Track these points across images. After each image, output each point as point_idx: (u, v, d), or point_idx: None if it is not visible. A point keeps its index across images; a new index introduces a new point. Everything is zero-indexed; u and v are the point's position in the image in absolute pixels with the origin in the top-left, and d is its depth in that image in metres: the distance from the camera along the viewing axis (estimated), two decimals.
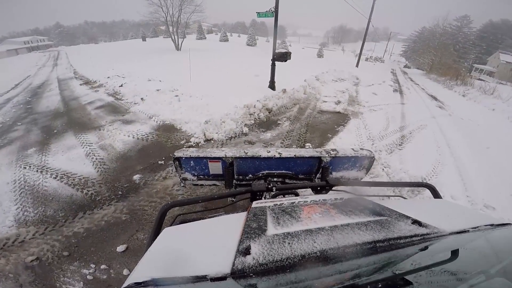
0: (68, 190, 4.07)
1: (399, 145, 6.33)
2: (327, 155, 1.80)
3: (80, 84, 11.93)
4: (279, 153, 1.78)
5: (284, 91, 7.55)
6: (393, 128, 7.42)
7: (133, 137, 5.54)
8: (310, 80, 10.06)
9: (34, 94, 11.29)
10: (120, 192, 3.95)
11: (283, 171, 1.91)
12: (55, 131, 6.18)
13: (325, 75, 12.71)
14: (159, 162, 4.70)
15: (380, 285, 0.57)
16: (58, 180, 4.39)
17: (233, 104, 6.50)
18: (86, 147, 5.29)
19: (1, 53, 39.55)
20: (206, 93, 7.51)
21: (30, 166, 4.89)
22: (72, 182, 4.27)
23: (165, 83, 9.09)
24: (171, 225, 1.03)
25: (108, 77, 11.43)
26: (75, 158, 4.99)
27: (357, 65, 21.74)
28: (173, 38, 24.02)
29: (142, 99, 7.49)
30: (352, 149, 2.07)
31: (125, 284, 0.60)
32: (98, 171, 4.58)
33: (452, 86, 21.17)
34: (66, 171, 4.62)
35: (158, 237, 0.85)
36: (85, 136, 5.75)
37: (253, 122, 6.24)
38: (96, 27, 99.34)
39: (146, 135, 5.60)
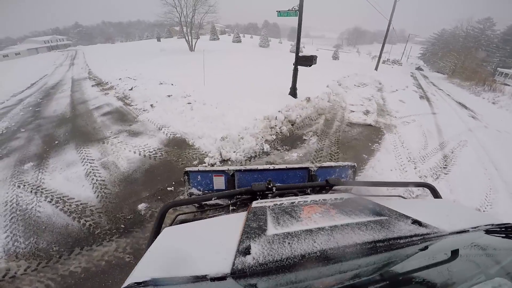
0: (63, 219, 3.44)
1: (444, 168, 5.46)
2: (314, 166, 1.89)
3: (92, 86, 11.49)
4: (273, 166, 1.90)
5: (308, 99, 6.60)
6: (432, 146, 6.46)
7: (140, 154, 4.76)
8: (332, 85, 9.07)
9: (46, 95, 10.94)
10: (122, 226, 3.28)
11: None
12: (56, 142, 5.51)
13: (347, 79, 11.66)
14: (168, 188, 3.91)
15: (380, 285, 0.57)
16: (53, 204, 3.73)
17: (251, 115, 5.62)
18: (87, 165, 4.58)
19: (23, 52, 40.38)
20: (221, 100, 6.68)
21: (24, 185, 4.26)
22: (68, 209, 3.61)
23: (177, 87, 8.32)
24: (171, 225, 1.01)
25: (120, 79, 10.84)
26: (73, 178, 4.29)
27: (376, 68, 20.46)
28: (186, 38, 23.56)
29: (151, 105, 6.74)
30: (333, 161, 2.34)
31: (125, 284, 0.57)
32: (98, 196, 3.88)
33: (479, 92, 19.50)
34: (63, 194, 3.95)
35: (158, 237, 0.82)
36: (87, 150, 5.04)
37: (274, 137, 5.34)
38: (113, 27, 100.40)
39: (154, 152, 4.82)
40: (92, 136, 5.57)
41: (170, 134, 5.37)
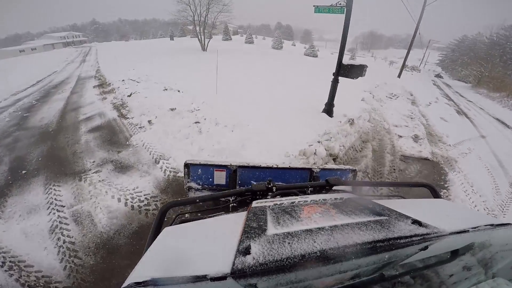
0: None
1: None
2: (316, 167, 1.84)
3: (94, 87, 10.29)
4: (276, 165, 1.82)
5: (352, 122, 4.96)
6: (504, 188, 5.00)
7: (126, 204, 3.27)
8: (368, 99, 7.41)
9: (44, 96, 9.80)
10: None
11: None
12: (23, 171, 4.08)
13: (378, 90, 9.95)
14: None
15: (380, 285, 0.57)
16: (6, 271, 2.51)
17: (281, 146, 4.05)
18: (54, 214, 3.16)
19: (38, 47, 39.71)
20: (239, 120, 5.13)
21: None
22: (26, 281, 2.40)
23: (184, 95, 6.79)
24: (171, 225, 0.96)
25: (123, 80, 9.48)
26: (33, 234, 2.92)
27: (399, 76, 18.50)
28: (199, 38, 22.24)
29: (149, 122, 5.23)
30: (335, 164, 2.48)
31: (125, 284, 0.56)
32: (65, 267, 2.55)
33: None
34: (18, 258, 2.63)
35: (158, 237, 0.80)
36: (57, 189, 3.59)
37: None
38: (129, 24, 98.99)
39: (146, 202, 3.30)
40: (68, 167, 4.09)
41: (170, 172, 3.82)
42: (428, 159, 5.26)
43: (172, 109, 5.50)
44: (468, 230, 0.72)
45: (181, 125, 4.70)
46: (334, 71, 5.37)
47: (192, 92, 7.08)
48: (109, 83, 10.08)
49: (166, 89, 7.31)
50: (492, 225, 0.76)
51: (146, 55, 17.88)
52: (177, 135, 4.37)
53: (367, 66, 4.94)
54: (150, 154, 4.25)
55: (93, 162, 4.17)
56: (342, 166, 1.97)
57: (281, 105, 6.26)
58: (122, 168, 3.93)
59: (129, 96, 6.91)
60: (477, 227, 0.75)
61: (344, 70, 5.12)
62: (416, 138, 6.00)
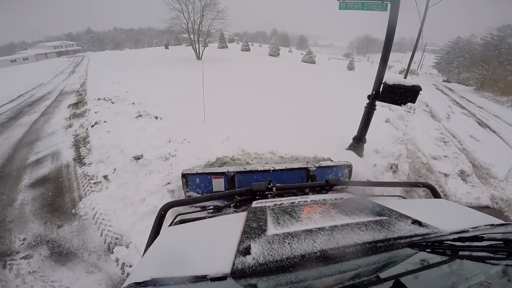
0: None
1: None
2: (312, 166, 1.78)
3: (68, 106, 8.90)
4: (273, 167, 1.79)
5: (395, 168, 3.43)
6: None
7: None
8: (393, 119, 5.95)
9: (12, 118, 8.38)
10: None
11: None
12: None
13: None
14: None
15: (380, 285, 0.53)
16: None
17: None
18: None
19: (31, 57, 37.70)
20: None
21: None
22: None
23: (162, 126, 5.19)
24: (170, 225, 0.94)
25: (98, 99, 7.95)
26: None
27: None
28: (193, 46, 20.87)
29: (106, 177, 3.65)
30: (332, 160, 2.17)
31: (125, 284, 0.54)
32: None
33: None
34: None
35: (158, 237, 0.78)
36: None
37: None
38: (124, 33, 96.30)
39: None
40: None
41: (131, 268, 2.28)
42: (489, 207, 3.80)
43: (137, 158, 3.82)
44: (468, 230, 0.70)
45: (147, 188, 3.09)
46: (370, 93, 3.82)
47: (174, 119, 5.51)
48: (85, 102, 8.58)
49: (141, 115, 5.67)
50: (492, 225, 0.73)
51: (136, 66, 16.37)
52: (139, 209, 2.78)
53: (421, 89, 3.45)
54: (102, 234, 2.65)
55: (24, 240, 2.59)
56: (337, 163, 1.88)
57: (293, 140, 4.66)
58: (61, 255, 2.38)
59: (92, 126, 5.31)
60: (477, 227, 0.72)
61: (388, 93, 3.50)
62: (463, 175, 4.53)
